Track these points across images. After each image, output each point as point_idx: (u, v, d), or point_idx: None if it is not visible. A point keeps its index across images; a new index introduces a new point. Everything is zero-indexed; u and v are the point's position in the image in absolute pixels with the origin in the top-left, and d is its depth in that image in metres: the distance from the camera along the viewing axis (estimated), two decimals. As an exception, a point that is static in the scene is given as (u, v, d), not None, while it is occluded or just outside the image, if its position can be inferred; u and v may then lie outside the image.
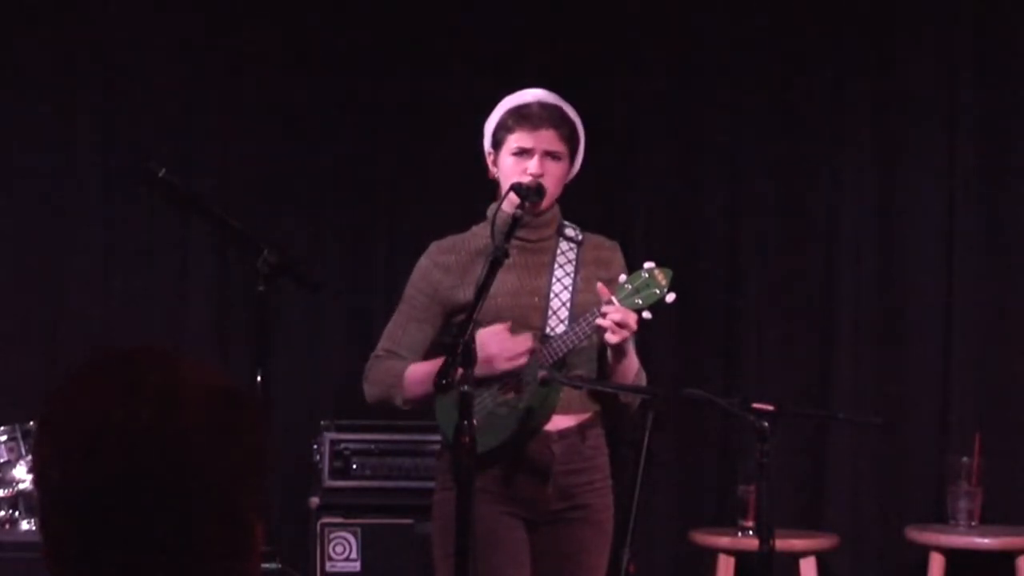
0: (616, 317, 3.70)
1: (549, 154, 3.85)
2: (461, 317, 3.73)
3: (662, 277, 3.78)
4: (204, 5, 5.93)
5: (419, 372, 3.83)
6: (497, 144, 3.90)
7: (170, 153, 5.48)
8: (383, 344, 3.95)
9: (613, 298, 3.73)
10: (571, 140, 3.90)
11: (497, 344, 3.73)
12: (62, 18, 5.83)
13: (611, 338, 3.72)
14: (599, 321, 3.71)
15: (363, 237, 5.98)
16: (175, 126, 5.84)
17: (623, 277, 3.80)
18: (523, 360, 3.75)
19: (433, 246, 3.99)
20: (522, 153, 3.85)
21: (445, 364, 3.43)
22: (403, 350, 3.91)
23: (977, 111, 5.80)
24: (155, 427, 1.40)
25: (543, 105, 3.89)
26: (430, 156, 5.95)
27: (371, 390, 3.94)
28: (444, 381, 3.43)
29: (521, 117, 3.86)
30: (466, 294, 3.82)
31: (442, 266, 3.92)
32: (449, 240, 3.98)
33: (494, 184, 3.95)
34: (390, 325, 3.98)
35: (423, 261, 3.97)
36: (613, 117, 5.87)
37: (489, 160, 3.95)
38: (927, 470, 5.74)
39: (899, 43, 5.89)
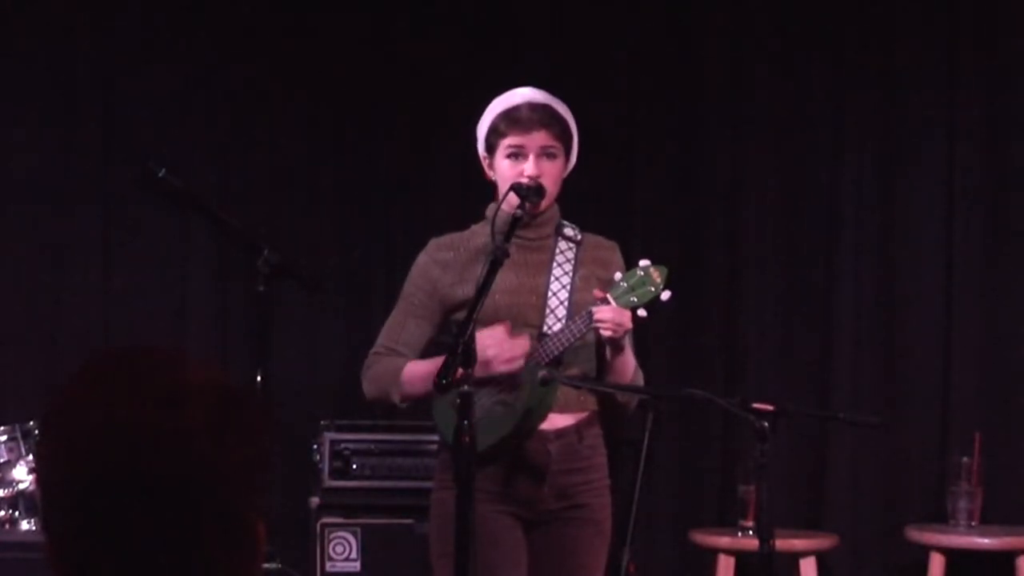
0: (607, 316, 3.71)
1: (544, 152, 3.85)
2: (460, 315, 3.73)
3: (657, 275, 3.78)
4: (204, 5, 5.94)
5: (417, 371, 3.83)
6: (491, 148, 3.90)
7: (170, 153, 5.48)
8: (382, 341, 3.95)
9: (609, 296, 3.74)
10: (564, 136, 3.89)
11: (494, 346, 3.72)
12: (63, 18, 5.83)
13: (607, 333, 3.72)
14: (597, 316, 3.71)
15: (362, 237, 5.98)
16: (175, 126, 5.84)
17: (619, 275, 3.80)
18: (520, 364, 3.75)
19: (432, 243, 3.99)
20: (517, 155, 3.85)
21: (445, 364, 3.43)
22: (402, 347, 3.91)
23: (978, 112, 5.80)
24: (157, 426, 1.40)
25: (532, 106, 3.88)
26: (430, 155, 5.95)
27: (369, 387, 3.94)
28: (444, 381, 3.43)
29: (512, 121, 3.85)
30: (465, 291, 3.82)
31: (441, 263, 3.92)
32: (448, 237, 3.98)
33: (493, 184, 3.95)
34: (389, 322, 3.98)
35: (422, 258, 3.97)
36: (613, 117, 5.87)
37: (485, 164, 3.95)
38: (927, 470, 5.75)
39: (900, 45, 5.89)
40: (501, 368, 3.74)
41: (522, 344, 3.76)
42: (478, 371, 3.55)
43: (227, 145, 5.92)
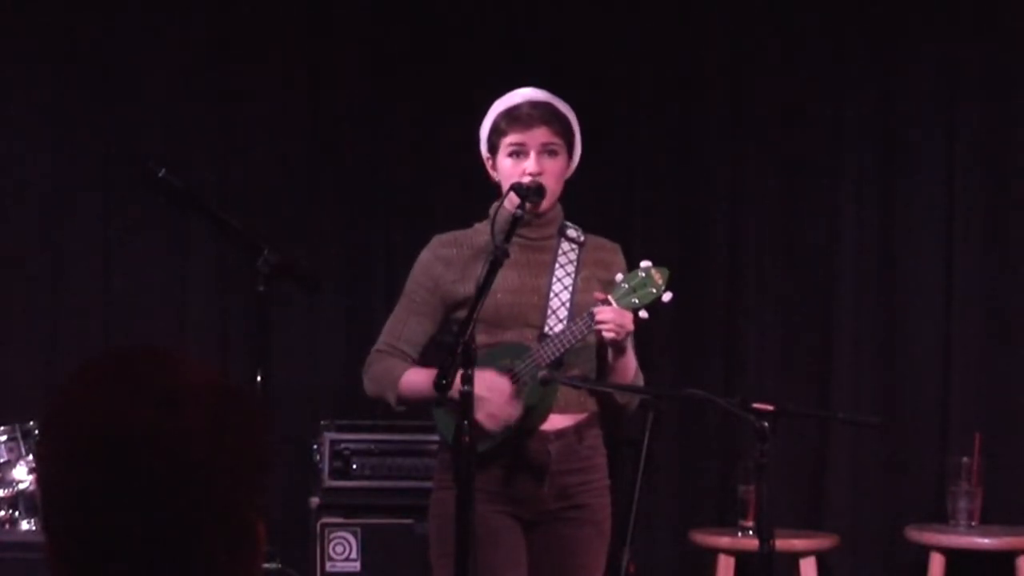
0: (608, 317, 3.70)
1: (545, 150, 3.85)
2: (461, 313, 3.73)
3: (659, 276, 3.78)
4: (204, 5, 5.94)
5: (416, 379, 3.82)
6: (493, 148, 3.91)
7: (170, 153, 5.48)
8: (384, 338, 3.95)
9: (610, 297, 3.73)
10: (565, 134, 3.89)
11: (488, 392, 3.66)
12: (62, 18, 5.82)
13: (609, 334, 3.72)
14: (599, 317, 3.71)
15: (362, 237, 5.98)
16: (175, 126, 5.84)
17: (620, 276, 3.80)
18: (499, 425, 3.71)
19: (435, 240, 3.99)
20: (518, 153, 3.85)
21: (445, 364, 3.43)
22: (404, 344, 3.91)
23: (978, 114, 5.79)
24: (156, 427, 1.40)
25: (533, 104, 3.88)
26: (430, 155, 5.95)
27: (369, 385, 3.95)
28: (444, 381, 3.43)
29: (512, 119, 3.86)
30: (467, 289, 3.82)
31: (444, 259, 3.92)
32: (451, 234, 3.98)
33: (495, 184, 3.95)
34: (391, 319, 3.98)
35: (424, 254, 3.97)
36: (614, 117, 5.87)
37: (488, 165, 3.95)
38: (927, 470, 5.74)
39: (900, 45, 5.88)
40: (480, 416, 3.63)
41: (513, 412, 3.74)
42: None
43: (227, 145, 5.92)
